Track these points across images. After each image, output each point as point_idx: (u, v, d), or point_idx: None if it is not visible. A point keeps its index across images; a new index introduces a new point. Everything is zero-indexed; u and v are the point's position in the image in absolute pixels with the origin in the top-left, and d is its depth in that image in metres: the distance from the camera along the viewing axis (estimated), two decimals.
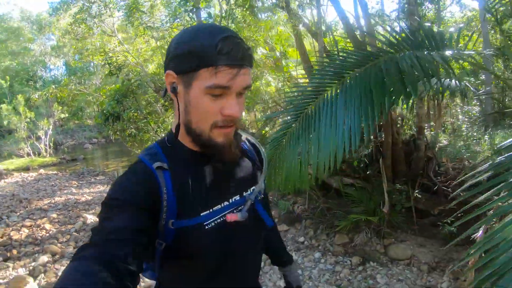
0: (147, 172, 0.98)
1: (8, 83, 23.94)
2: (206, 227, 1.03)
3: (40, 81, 31.66)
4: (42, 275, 4.47)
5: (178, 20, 9.16)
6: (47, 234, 6.00)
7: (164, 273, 1.12)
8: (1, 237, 5.78)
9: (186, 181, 1.03)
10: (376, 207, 4.52)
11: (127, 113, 8.46)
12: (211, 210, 1.05)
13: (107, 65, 9.30)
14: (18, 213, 7.37)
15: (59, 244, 5.49)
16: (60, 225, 6.49)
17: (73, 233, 6.05)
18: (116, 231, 0.86)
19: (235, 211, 1.11)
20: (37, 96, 14.87)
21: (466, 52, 2.96)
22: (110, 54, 9.59)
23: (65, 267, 0.79)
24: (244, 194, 1.16)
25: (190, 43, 0.95)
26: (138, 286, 0.86)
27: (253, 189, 1.18)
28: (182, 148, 1.08)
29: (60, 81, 23.70)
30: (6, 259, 5.00)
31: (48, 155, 18.24)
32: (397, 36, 3.12)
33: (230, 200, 1.11)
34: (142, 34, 9.56)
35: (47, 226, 6.34)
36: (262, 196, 1.24)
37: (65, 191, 9.71)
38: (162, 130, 9.53)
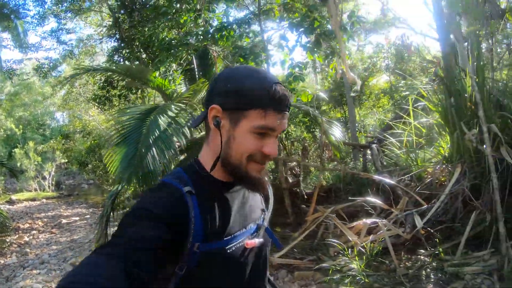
0: (178, 194, 1.04)
1: (21, 130, 27.88)
2: (228, 251, 1.08)
3: (48, 129, 35.38)
4: (31, 237, 9.91)
5: None
6: (39, 226, 11.48)
7: None
8: (14, 226, 11.25)
9: (210, 206, 1.08)
10: None
11: (92, 162, 14.07)
12: (232, 235, 1.11)
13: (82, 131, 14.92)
14: (25, 218, 12.92)
15: (42, 228, 11.01)
16: (47, 223, 11.97)
17: (52, 225, 11.58)
18: (138, 238, 0.89)
19: (250, 237, 1.17)
20: (41, 148, 20.59)
21: None
22: (86, 122, 15.23)
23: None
24: (257, 222, 1.24)
25: (242, 83, 1.04)
26: None
27: (263, 217, 1.28)
28: (208, 176, 1.14)
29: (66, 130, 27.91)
30: (15, 233, 10.45)
31: (50, 190, 23.64)
32: None
33: (247, 227, 1.18)
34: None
35: (40, 222, 11.86)
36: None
37: (55, 210, 15.19)
38: None
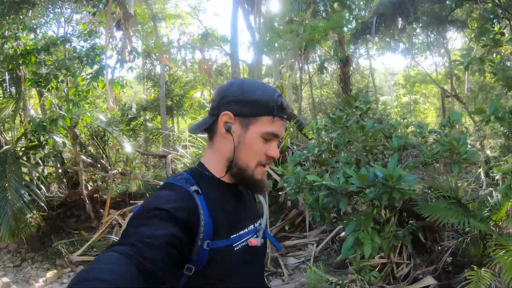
0: (187, 193, 1.06)
1: None
2: (235, 248, 1.13)
3: None
4: None
5: None
6: None
7: None
8: None
9: (217, 205, 1.12)
10: None
11: None
12: (238, 234, 1.16)
13: None
14: None
15: None
16: None
17: None
18: (152, 236, 0.88)
19: (252, 237, 1.22)
20: None
21: None
22: None
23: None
24: (255, 224, 1.28)
25: (254, 93, 1.14)
26: None
27: (261, 220, 1.33)
28: (212, 177, 1.19)
29: None
30: None
31: None
32: None
33: (249, 228, 1.23)
34: None
35: None
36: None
37: None
38: None
